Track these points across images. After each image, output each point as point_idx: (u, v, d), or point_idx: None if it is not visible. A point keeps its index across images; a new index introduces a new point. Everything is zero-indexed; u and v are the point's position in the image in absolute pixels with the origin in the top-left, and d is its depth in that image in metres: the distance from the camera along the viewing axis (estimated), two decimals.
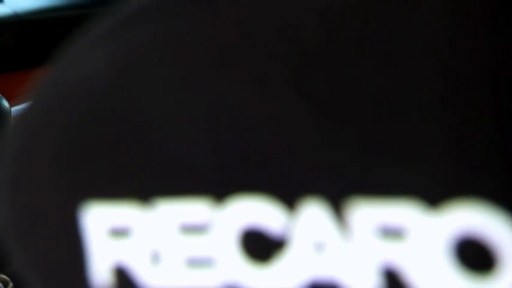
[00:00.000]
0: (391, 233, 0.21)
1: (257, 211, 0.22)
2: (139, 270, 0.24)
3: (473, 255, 0.20)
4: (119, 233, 0.24)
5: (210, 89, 0.22)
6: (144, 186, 0.23)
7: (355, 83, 0.21)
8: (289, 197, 0.22)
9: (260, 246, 0.22)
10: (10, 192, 0.25)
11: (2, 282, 0.88)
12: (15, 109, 0.73)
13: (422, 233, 0.21)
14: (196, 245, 0.23)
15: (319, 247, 0.22)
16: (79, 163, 0.24)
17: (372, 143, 0.21)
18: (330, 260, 0.22)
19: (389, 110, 0.21)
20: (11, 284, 0.86)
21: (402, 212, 0.21)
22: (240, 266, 0.22)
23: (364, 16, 0.21)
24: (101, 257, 0.24)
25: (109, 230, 0.24)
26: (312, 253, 0.22)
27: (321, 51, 0.21)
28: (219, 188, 0.22)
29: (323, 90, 0.21)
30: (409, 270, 0.21)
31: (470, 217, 0.20)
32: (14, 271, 0.98)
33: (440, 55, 0.20)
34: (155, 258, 0.23)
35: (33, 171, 0.24)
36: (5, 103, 0.68)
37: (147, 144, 0.23)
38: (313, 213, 0.22)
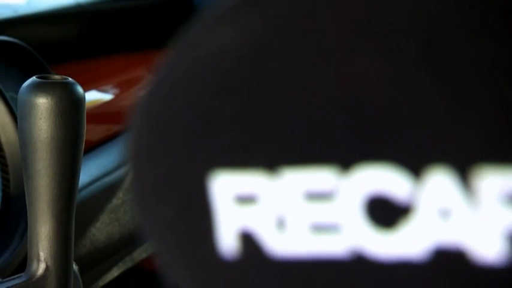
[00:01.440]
0: None
1: (383, 179, 0.23)
2: (265, 236, 0.25)
3: None
4: (245, 200, 0.25)
5: (339, 60, 0.23)
6: (271, 155, 0.24)
7: (481, 54, 0.22)
8: (415, 165, 0.23)
9: (385, 212, 0.23)
10: (142, 161, 0.26)
11: None
12: None
13: None
14: (322, 212, 0.24)
15: (445, 214, 0.23)
16: (208, 133, 0.25)
17: (499, 112, 0.22)
18: (455, 226, 0.22)
19: None
20: (76, 267, 0.89)
21: None
22: (365, 231, 0.23)
23: None
24: (228, 223, 0.25)
25: (235, 197, 0.25)
26: (437, 220, 0.23)
27: (447, 23, 0.22)
28: (345, 156, 0.23)
29: (448, 60, 0.22)
30: None
31: None
32: (78, 254, 1.00)
33: None
34: (280, 224, 0.24)
35: (164, 141, 0.26)
36: (80, 89, 0.70)
37: (275, 114, 0.24)
38: (440, 180, 0.22)
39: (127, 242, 1.08)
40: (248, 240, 0.25)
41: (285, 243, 0.25)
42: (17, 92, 1.01)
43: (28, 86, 0.67)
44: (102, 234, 1.02)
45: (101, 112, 1.21)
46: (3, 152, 0.90)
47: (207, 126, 0.25)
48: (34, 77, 0.68)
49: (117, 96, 1.25)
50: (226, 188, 0.25)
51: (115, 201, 1.04)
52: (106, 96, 1.26)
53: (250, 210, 0.25)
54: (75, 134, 0.69)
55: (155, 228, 0.26)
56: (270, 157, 0.24)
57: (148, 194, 0.26)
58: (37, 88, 0.67)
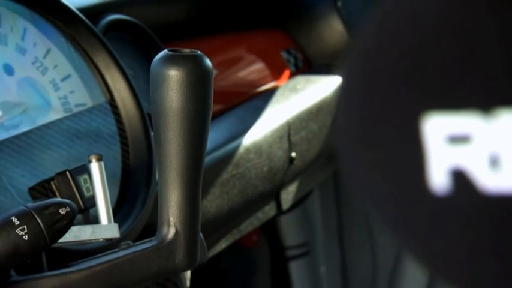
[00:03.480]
0: None
1: None
2: (478, 174, 0.26)
3: None
4: (458, 139, 0.26)
5: None
6: (486, 97, 0.26)
7: None
8: None
9: None
10: (354, 103, 0.28)
11: None
12: None
13: None
14: None
15: None
16: (423, 75, 0.27)
17: None
18: None
19: None
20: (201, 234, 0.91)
21: None
22: None
23: None
24: (439, 162, 0.27)
25: (448, 137, 0.27)
26: None
27: None
28: None
29: None
30: None
31: None
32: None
33: None
34: (494, 162, 0.26)
35: (378, 84, 0.27)
36: (208, 62, 0.72)
37: (488, 56, 0.26)
38: None
39: (235, 215, 1.11)
40: (460, 178, 0.27)
41: (498, 180, 0.26)
42: (133, 68, 1.05)
43: (160, 58, 0.70)
44: (213, 206, 1.05)
45: None
46: (123, 126, 0.94)
47: (421, 69, 0.27)
48: (166, 50, 0.70)
49: (216, 76, 1.28)
50: (439, 128, 0.27)
51: (224, 175, 1.07)
52: None
53: (463, 149, 0.26)
54: (204, 105, 0.71)
55: (364, 167, 0.28)
56: (486, 100, 0.26)
57: (359, 135, 0.28)
58: (169, 61, 0.70)
